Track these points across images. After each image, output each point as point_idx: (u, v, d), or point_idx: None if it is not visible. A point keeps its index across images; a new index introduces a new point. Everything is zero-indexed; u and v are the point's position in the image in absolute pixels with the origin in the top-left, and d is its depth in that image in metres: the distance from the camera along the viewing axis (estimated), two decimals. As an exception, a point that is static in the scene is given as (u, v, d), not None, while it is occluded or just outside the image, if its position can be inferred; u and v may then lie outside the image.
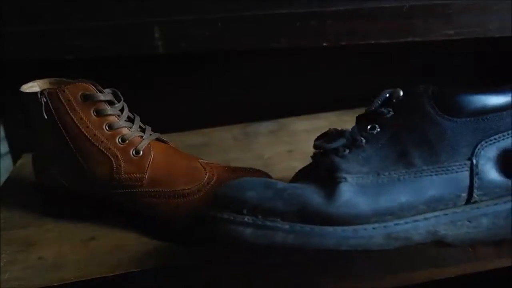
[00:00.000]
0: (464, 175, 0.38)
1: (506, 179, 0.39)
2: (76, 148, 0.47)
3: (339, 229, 0.34)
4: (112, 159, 0.47)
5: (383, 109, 0.40)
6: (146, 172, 0.47)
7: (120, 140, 0.47)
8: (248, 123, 0.74)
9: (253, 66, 0.76)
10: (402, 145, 0.39)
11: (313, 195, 0.35)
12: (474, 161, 0.38)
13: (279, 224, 0.34)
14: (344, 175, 0.36)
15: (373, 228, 0.35)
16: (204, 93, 0.78)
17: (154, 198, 0.46)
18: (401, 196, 0.37)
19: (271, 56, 0.75)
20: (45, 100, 0.45)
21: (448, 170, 0.38)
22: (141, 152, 0.47)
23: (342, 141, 0.39)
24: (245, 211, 0.34)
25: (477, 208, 0.38)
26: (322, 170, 0.38)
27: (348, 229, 0.35)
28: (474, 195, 0.38)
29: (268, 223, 0.34)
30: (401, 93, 0.40)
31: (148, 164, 0.47)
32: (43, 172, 0.51)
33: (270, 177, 0.50)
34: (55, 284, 0.41)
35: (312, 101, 0.71)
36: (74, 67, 0.58)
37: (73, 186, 0.49)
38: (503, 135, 0.39)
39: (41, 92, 0.45)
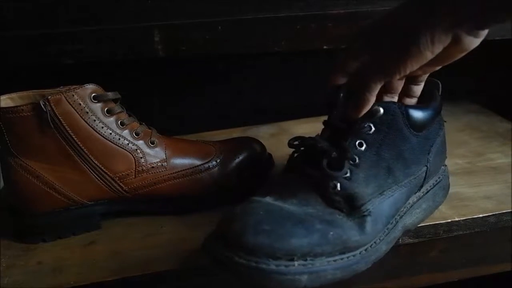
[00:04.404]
0: (422, 179, 0.46)
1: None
2: (91, 151, 0.47)
3: (369, 248, 0.39)
4: (132, 153, 0.48)
5: (365, 125, 0.42)
6: (166, 157, 0.50)
7: (134, 134, 0.49)
8: (248, 126, 0.74)
9: (253, 70, 0.76)
10: (386, 161, 0.42)
11: (351, 232, 0.38)
12: (428, 166, 0.46)
13: (326, 262, 0.36)
14: (368, 207, 0.40)
15: (385, 235, 0.42)
16: (204, 97, 0.78)
17: (179, 178, 0.50)
18: (393, 207, 0.43)
19: (271, 59, 0.75)
20: (50, 108, 0.45)
21: (416, 178, 0.45)
22: (156, 141, 0.50)
23: (347, 166, 0.40)
24: (295, 258, 0.35)
25: (419, 197, 0.46)
26: (337, 195, 0.40)
27: (376, 244, 0.40)
28: (422, 188, 0.47)
29: (318, 264, 0.36)
30: (382, 110, 0.42)
31: (165, 150, 0.50)
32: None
33: (262, 144, 0.56)
34: (55, 289, 0.41)
35: (312, 104, 0.71)
36: (74, 72, 0.58)
37: (77, 195, 0.48)
38: (436, 139, 0.47)
39: (46, 100, 0.45)
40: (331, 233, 0.37)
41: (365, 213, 0.40)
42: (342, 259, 0.37)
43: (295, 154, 0.45)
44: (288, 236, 0.36)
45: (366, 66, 0.40)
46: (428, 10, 0.35)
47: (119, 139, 0.48)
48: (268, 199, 0.39)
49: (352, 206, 0.39)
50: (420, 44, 0.35)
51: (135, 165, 0.49)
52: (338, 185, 0.40)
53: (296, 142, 0.44)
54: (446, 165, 0.51)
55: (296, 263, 0.35)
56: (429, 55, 0.36)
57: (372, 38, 0.40)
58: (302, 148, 0.44)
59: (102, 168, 0.48)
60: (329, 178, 0.40)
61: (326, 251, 0.36)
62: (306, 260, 0.35)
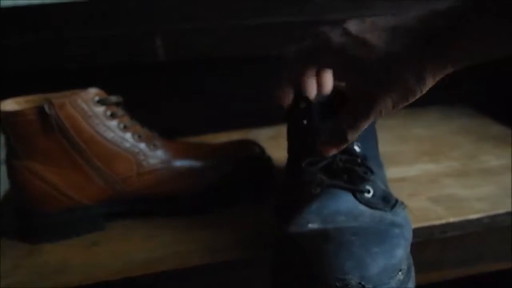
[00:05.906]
0: None
1: None
2: (94, 154, 0.48)
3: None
4: (134, 156, 0.49)
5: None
6: (167, 159, 0.51)
7: (137, 137, 0.50)
8: (248, 129, 0.75)
9: (253, 73, 0.77)
10: (373, 154, 0.45)
11: (409, 226, 0.39)
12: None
13: (408, 262, 0.36)
14: (397, 200, 0.41)
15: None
16: (204, 100, 0.78)
17: (179, 180, 0.51)
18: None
19: (271, 63, 0.75)
20: (54, 112, 0.46)
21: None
22: (157, 144, 0.51)
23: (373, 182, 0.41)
24: (402, 270, 0.34)
25: None
26: (375, 198, 0.40)
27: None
28: None
29: (408, 264, 0.36)
30: None
31: (166, 152, 0.51)
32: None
33: (261, 147, 0.57)
34: (59, 288, 0.42)
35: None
36: (76, 76, 0.59)
37: (81, 196, 0.49)
38: None
39: (50, 104, 0.45)
40: (405, 233, 0.37)
41: (403, 206, 0.40)
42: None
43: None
44: (395, 250, 0.34)
45: (351, 104, 0.38)
46: (418, 56, 0.34)
47: (122, 142, 0.49)
48: (315, 226, 0.36)
49: (390, 204, 0.39)
50: (417, 90, 0.35)
51: (137, 167, 0.50)
52: (371, 188, 0.40)
53: (308, 163, 0.41)
54: None
55: (400, 273, 0.34)
56: (418, 95, 0.36)
57: (348, 64, 0.37)
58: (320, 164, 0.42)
59: (105, 170, 0.49)
60: (364, 184, 0.40)
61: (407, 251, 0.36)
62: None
